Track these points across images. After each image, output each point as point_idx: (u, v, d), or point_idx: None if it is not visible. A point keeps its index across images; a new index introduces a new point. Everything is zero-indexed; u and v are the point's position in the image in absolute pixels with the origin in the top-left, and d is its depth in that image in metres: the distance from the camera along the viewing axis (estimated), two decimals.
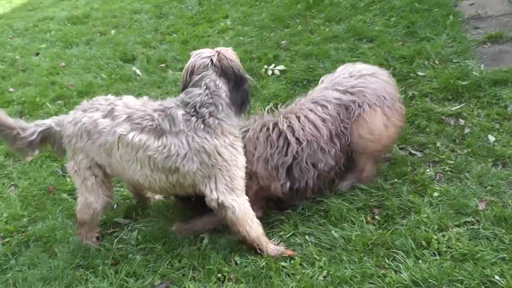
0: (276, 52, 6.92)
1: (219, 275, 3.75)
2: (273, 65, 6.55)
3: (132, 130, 3.58)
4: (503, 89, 5.24)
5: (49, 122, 3.95)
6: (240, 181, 3.72)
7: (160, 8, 9.63)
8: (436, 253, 3.64)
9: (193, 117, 3.55)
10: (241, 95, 3.68)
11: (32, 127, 3.91)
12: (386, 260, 3.64)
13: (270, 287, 3.56)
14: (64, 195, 4.82)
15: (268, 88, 6.05)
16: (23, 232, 4.48)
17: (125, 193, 4.73)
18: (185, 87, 3.73)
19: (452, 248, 3.63)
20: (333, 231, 3.93)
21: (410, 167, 4.48)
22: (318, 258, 3.74)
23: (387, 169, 4.50)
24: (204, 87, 3.58)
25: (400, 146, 4.77)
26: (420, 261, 3.58)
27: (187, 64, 3.72)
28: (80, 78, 7.18)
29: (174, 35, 8.26)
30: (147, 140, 3.55)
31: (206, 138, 3.53)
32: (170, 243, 4.05)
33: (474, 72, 5.53)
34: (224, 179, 3.63)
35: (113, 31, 8.91)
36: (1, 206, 4.83)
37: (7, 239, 4.41)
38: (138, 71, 7.10)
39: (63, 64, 7.79)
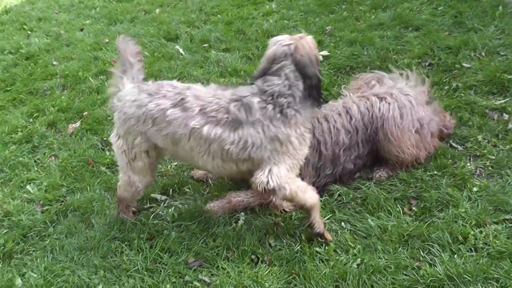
0: (321, 37, 6.84)
1: (253, 256, 3.78)
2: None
3: (207, 123, 3.52)
4: None
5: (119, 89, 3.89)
6: (297, 169, 3.72)
7: None
8: (473, 249, 3.61)
9: (270, 105, 3.48)
10: (310, 91, 3.55)
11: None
12: (421, 253, 3.63)
13: (303, 271, 3.57)
14: (103, 168, 4.89)
15: None
16: (62, 201, 4.58)
17: (162, 170, 4.77)
18: (263, 74, 3.61)
19: (489, 245, 3.59)
20: (369, 220, 3.93)
21: (450, 160, 4.42)
22: (352, 245, 3.75)
23: (427, 160, 4.43)
24: (284, 77, 3.49)
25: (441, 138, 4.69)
26: (455, 256, 3.55)
27: (268, 52, 3.57)
28: None
29: (219, 15, 8.24)
30: (222, 133, 3.51)
31: (280, 128, 3.48)
32: (205, 222, 4.09)
33: None
34: (287, 165, 3.59)
35: (157, 10, 8.93)
36: (41, 175, 4.93)
37: (46, 207, 4.51)
38: (181, 50, 7.11)
39: (107, 40, 7.85)
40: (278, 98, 3.48)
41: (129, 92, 3.78)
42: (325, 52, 6.37)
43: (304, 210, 3.83)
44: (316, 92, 3.56)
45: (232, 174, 3.80)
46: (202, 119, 3.52)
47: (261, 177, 3.59)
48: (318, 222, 3.79)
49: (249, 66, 6.36)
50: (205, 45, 7.21)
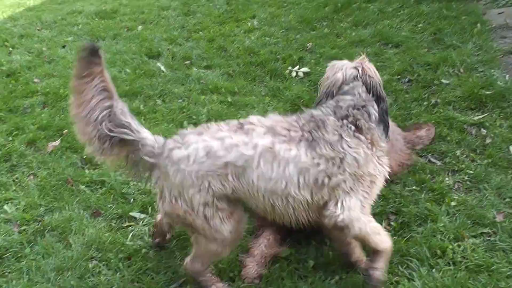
0: (301, 54, 6.91)
1: (231, 274, 3.75)
2: (298, 67, 6.55)
3: (279, 142, 3.09)
4: None
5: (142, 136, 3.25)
6: (371, 201, 3.36)
7: (188, 5, 9.67)
8: (451, 262, 3.62)
9: (345, 120, 3.18)
10: (382, 115, 3.29)
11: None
12: (400, 268, 3.62)
13: None
14: (82, 187, 4.83)
15: (291, 89, 6.04)
16: (40, 221, 4.50)
17: (142, 187, 4.73)
18: (326, 98, 3.36)
19: (467, 259, 3.61)
20: None
21: (429, 175, 4.45)
22: (331, 261, 3.73)
23: (406, 176, 4.46)
24: (358, 95, 3.24)
25: (420, 154, 4.73)
26: (434, 270, 3.56)
27: (334, 76, 3.35)
28: None
29: (201, 33, 8.27)
30: (298, 152, 3.09)
31: (357, 145, 3.14)
32: (184, 240, 4.05)
33: (498, 82, 5.47)
34: (362, 196, 3.22)
35: (140, 27, 8.95)
36: (19, 194, 4.86)
37: (23, 227, 4.43)
38: (162, 67, 7.11)
39: None
40: (354, 110, 3.20)
41: (168, 141, 3.25)
42: (305, 69, 6.43)
43: (373, 252, 3.45)
44: (386, 117, 3.32)
45: (299, 210, 3.23)
46: (273, 138, 3.11)
47: (333, 209, 3.18)
48: (381, 270, 3.40)
49: (230, 84, 6.38)
50: (187, 62, 7.23)
